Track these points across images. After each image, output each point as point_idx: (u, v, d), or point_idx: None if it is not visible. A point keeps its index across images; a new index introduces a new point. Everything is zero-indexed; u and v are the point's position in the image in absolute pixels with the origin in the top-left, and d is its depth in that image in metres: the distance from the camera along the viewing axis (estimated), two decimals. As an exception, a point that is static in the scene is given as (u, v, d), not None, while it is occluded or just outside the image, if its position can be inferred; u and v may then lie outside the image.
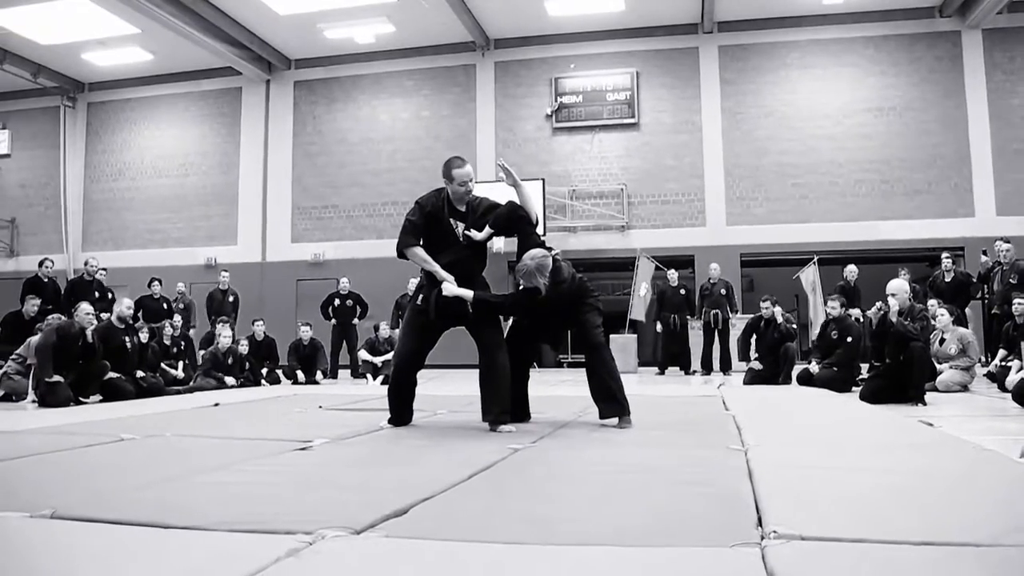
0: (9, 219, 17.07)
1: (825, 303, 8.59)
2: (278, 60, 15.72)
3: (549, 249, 4.23)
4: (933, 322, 7.49)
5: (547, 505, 2.29)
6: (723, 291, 11.38)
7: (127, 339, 7.62)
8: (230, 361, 9.24)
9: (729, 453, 3.23)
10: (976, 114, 13.33)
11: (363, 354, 10.17)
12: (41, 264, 10.08)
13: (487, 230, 4.25)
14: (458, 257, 4.22)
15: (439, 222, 4.22)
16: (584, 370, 4.45)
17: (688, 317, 11.60)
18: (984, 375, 8.24)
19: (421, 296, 4.29)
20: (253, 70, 15.52)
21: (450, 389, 7.39)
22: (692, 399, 6.58)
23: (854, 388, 7.28)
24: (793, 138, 13.95)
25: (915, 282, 9.34)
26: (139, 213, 16.45)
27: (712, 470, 2.82)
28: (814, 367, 7.90)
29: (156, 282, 11.24)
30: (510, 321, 4.69)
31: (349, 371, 11.28)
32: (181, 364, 9.55)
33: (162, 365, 9.03)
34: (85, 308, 7.00)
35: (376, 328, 10.33)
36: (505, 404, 4.13)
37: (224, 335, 9.25)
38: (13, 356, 7.49)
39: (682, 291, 11.66)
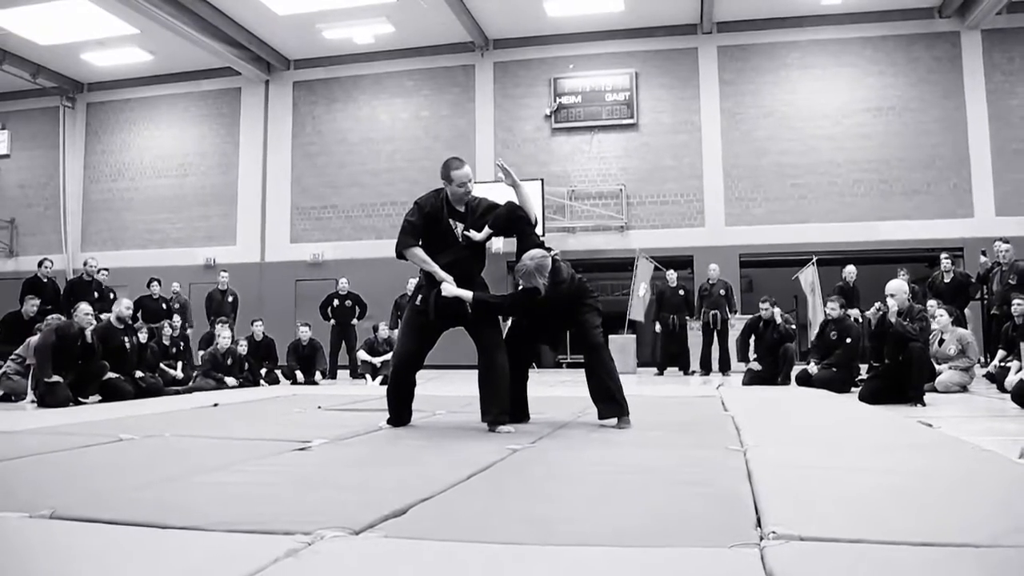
0: (8, 219, 17.06)
1: (824, 304, 8.59)
2: (277, 60, 15.71)
3: (548, 249, 4.22)
4: (932, 322, 7.49)
5: (546, 505, 2.29)
6: (722, 291, 11.38)
7: (126, 339, 7.62)
8: (229, 361, 9.25)
9: (728, 453, 3.23)
10: (975, 114, 13.33)
11: (362, 354, 10.18)
12: (40, 264, 10.08)
13: (486, 230, 4.25)
14: (457, 257, 4.22)
15: (438, 223, 4.22)
16: (583, 370, 4.45)
17: (687, 317, 11.59)
18: (983, 376, 8.25)
19: (420, 296, 4.29)
20: (252, 70, 15.51)
21: (449, 389, 7.39)
22: (691, 400, 6.58)
23: (853, 389, 7.27)
24: (792, 138, 13.95)
25: (914, 282, 9.34)
26: (138, 213, 16.44)
27: (711, 470, 2.83)
28: (813, 368, 7.91)
29: (155, 282, 11.24)
30: (509, 321, 4.70)
31: (348, 371, 11.27)
32: (180, 364, 9.55)
33: (161, 365, 9.02)
34: (84, 308, 7.00)
35: (375, 328, 10.34)
36: (504, 405, 4.14)
37: (223, 335, 9.26)
38: (12, 356, 7.47)
39: (681, 291, 11.66)
